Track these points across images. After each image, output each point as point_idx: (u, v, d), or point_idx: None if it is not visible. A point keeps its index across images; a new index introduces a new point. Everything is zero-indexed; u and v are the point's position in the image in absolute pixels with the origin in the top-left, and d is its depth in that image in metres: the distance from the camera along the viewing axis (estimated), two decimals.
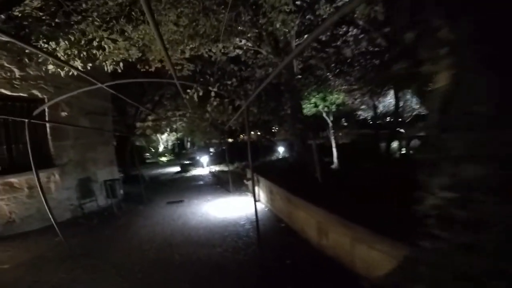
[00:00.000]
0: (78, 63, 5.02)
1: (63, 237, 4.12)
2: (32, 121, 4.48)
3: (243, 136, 25.88)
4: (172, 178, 12.33)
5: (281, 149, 18.34)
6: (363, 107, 10.02)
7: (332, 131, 8.24)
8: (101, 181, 7.25)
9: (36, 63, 5.92)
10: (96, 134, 7.65)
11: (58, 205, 5.84)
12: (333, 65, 6.92)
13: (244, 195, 7.69)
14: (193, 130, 24.93)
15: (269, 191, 6.03)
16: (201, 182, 10.14)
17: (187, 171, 14.56)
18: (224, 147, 27.41)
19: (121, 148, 13.79)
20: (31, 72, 6.01)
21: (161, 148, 25.43)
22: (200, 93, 6.76)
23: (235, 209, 6.25)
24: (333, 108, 7.85)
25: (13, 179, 5.12)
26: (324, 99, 7.77)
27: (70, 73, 5.25)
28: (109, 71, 6.15)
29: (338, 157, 8.13)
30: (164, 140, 25.43)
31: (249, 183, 6.99)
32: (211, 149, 28.07)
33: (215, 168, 14.31)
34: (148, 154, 25.92)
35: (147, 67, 6.86)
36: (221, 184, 9.57)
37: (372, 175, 6.14)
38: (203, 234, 4.77)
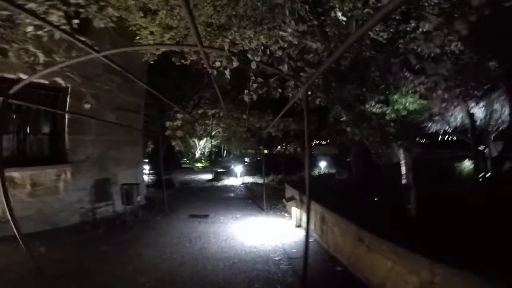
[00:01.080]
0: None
1: (49, 246, 3.18)
2: (40, 107, 3.72)
3: (282, 147, 24.54)
4: (202, 186, 11.39)
5: (322, 164, 16.51)
6: (436, 117, 7.87)
7: (399, 143, 6.37)
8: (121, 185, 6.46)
9: (65, 49, 5.40)
10: (123, 132, 6.98)
11: (65, 207, 5.09)
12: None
13: (280, 216, 6.23)
14: (229, 138, 24.44)
15: (319, 218, 4.49)
16: (232, 194, 8.94)
17: (219, 179, 13.59)
18: (259, 158, 26.36)
19: (158, 151, 13.44)
20: (57, 59, 5.50)
21: (197, 154, 25.25)
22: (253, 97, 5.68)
23: (268, 235, 4.83)
24: (404, 113, 6.04)
25: (15, 174, 4.46)
26: (389, 102, 6.06)
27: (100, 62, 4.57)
28: (144, 60, 5.50)
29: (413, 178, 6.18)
30: (202, 146, 25.25)
31: (290, 204, 5.52)
32: (246, 159, 27.20)
33: (249, 179, 13.08)
34: (185, 159, 25.99)
35: (182, 61, 6.04)
36: (253, 198, 8.23)
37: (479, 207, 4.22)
38: (221, 270, 3.44)
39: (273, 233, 4.94)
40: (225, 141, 25.99)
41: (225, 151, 31.81)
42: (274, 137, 16.16)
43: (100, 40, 5.28)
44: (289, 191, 6.26)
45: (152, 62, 5.75)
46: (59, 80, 5.52)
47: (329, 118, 10.54)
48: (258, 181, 11.87)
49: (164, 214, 6.56)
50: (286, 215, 6.24)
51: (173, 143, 25.96)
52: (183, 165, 22.71)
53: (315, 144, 25.63)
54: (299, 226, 5.32)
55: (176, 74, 10.17)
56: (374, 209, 4.30)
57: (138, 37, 5.09)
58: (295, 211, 5.26)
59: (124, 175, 6.85)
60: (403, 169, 5.30)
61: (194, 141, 24.67)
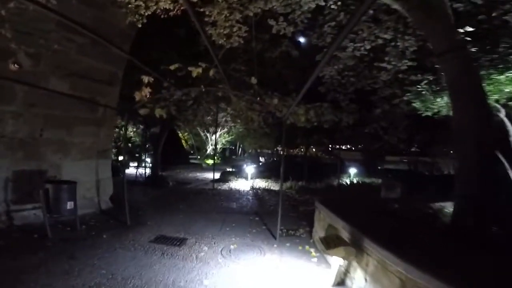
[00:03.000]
0: None
1: None
2: None
3: (303, 147, 21.75)
4: (201, 188, 9.06)
5: (352, 171, 13.68)
6: None
7: None
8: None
9: None
10: (82, 107, 4.83)
11: None
12: None
13: (301, 253, 3.71)
14: (244, 135, 22.04)
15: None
16: (234, 205, 6.49)
17: (225, 180, 11.25)
18: (275, 159, 23.67)
19: (158, 141, 11.37)
20: None
21: (209, 150, 23.13)
22: None
23: None
24: None
25: None
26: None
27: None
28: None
29: None
30: (214, 141, 23.10)
31: (336, 251, 2.80)
32: (261, 159, 24.73)
33: (261, 183, 10.60)
34: (195, 155, 24.00)
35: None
36: (262, 214, 5.75)
37: None
38: None
39: None
40: (240, 137, 23.71)
41: (239, 149, 29.54)
42: (297, 133, 13.56)
43: None
44: (324, 216, 3.73)
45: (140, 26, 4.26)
46: None
47: (375, 111, 7.81)
48: (272, 187, 9.36)
49: (119, 229, 4.30)
50: (313, 252, 3.72)
51: (182, 136, 24.14)
52: (192, 161, 20.66)
53: (338, 147, 22.47)
54: (341, 284, 2.80)
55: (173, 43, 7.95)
56: None
57: None
58: (340, 260, 2.73)
59: (74, 168, 4.68)
60: None
61: (206, 135, 22.60)
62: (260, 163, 20.82)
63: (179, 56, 7.80)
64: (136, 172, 8.73)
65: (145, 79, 3.96)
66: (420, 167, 18.08)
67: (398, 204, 4.11)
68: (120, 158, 17.38)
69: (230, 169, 15.50)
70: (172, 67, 3.99)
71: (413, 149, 16.99)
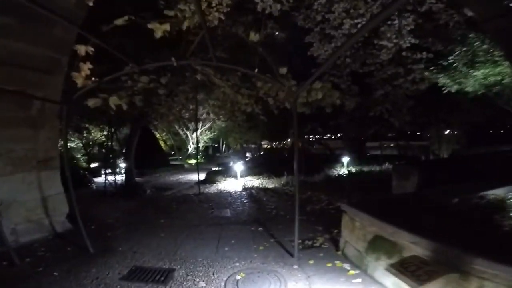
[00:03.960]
0: None
1: None
2: None
3: (285, 140, 20.90)
4: (186, 193, 7.81)
5: (345, 160, 12.99)
6: None
7: None
8: None
9: None
10: (3, 103, 3.45)
11: None
12: None
13: (337, 276, 2.69)
14: (228, 130, 20.76)
15: None
16: (228, 212, 5.31)
17: (213, 181, 10.06)
18: (261, 153, 22.62)
19: (131, 143, 9.88)
20: None
21: (190, 149, 21.64)
22: None
23: None
24: None
25: None
26: None
27: None
28: None
29: None
30: (195, 139, 21.58)
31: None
32: (248, 155, 23.61)
33: (253, 181, 9.53)
34: (176, 155, 22.37)
35: None
36: (265, 222, 4.67)
37: None
38: None
39: None
40: (223, 133, 22.41)
41: (223, 146, 28.16)
42: (286, 123, 12.55)
43: None
44: (364, 225, 2.72)
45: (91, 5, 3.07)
46: None
47: (375, 94, 6.97)
48: (267, 185, 8.32)
49: (78, 260, 3.07)
50: (350, 269, 2.73)
51: (160, 136, 22.41)
52: (173, 163, 19.13)
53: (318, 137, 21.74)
54: None
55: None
56: None
57: None
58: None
59: (4, 186, 3.32)
60: None
61: (186, 134, 21.06)
62: (247, 159, 19.75)
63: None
64: (105, 181, 7.30)
65: (81, 49, 2.66)
66: (409, 152, 17.95)
67: (443, 198, 3.22)
68: (93, 165, 15.63)
69: (216, 168, 14.28)
70: (119, 21, 2.68)
71: (404, 133, 16.67)
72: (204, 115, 10.02)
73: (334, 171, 11.82)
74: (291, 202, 5.96)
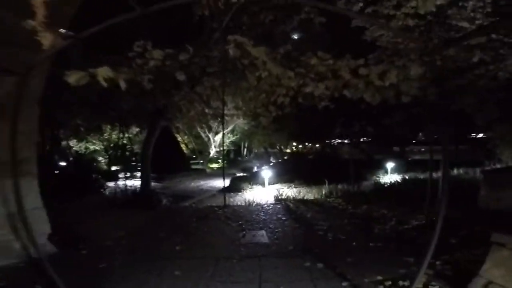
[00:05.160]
0: None
1: None
2: None
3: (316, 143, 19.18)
4: (208, 206, 6.52)
5: (389, 166, 11.23)
6: None
7: None
8: None
9: None
10: None
11: None
12: None
13: None
14: (252, 133, 19.47)
15: None
16: (265, 236, 3.90)
17: (238, 189, 8.78)
18: (285, 158, 20.84)
19: (148, 143, 8.87)
20: None
21: (212, 153, 20.63)
22: None
23: None
24: None
25: None
26: None
27: None
28: None
29: None
30: (218, 143, 20.58)
31: None
32: (272, 159, 22.13)
33: (284, 189, 8.09)
34: (196, 158, 21.45)
35: None
36: (323, 253, 3.22)
37: None
38: None
39: None
40: (246, 136, 21.22)
41: (245, 149, 26.93)
42: (316, 122, 11.01)
43: None
44: None
45: None
46: None
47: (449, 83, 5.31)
48: (305, 196, 6.85)
49: None
50: None
51: (182, 139, 21.64)
52: (194, 167, 18.19)
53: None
54: None
55: None
56: None
57: None
58: None
59: None
60: None
61: (208, 137, 20.09)
62: (271, 163, 18.35)
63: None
64: (116, 188, 6.24)
65: None
66: (454, 157, 15.57)
67: None
68: (114, 168, 15.03)
69: (241, 174, 13.04)
70: None
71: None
72: (232, 111, 8.65)
73: (378, 178, 10.16)
74: (348, 220, 4.50)
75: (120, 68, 2.82)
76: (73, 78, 2.21)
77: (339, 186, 7.23)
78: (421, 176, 9.14)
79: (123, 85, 2.47)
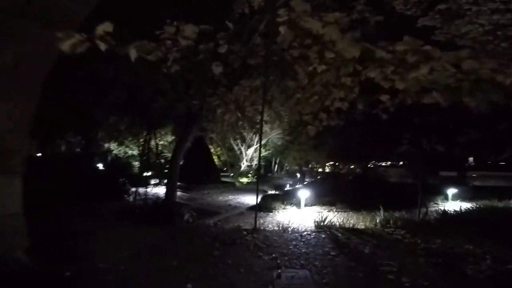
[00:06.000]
0: None
1: None
2: None
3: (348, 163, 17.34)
4: (236, 227, 5.53)
5: (450, 192, 9.46)
6: None
7: None
8: None
9: None
10: None
11: None
12: None
13: None
14: (287, 148, 18.35)
15: None
16: (310, 282, 2.82)
17: (269, 208, 7.70)
18: (319, 177, 19.15)
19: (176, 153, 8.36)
20: None
21: (243, 166, 19.85)
22: None
23: None
24: None
25: None
26: None
27: None
28: None
29: None
30: (249, 156, 19.79)
31: None
32: (306, 178, 20.59)
33: (324, 213, 6.82)
34: (226, 170, 20.78)
35: None
36: None
37: None
38: None
39: None
40: (279, 152, 20.15)
41: (275, 166, 25.68)
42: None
43: None
44: None
45: None
46: None
47: None
48: (354, 224, 5.53)
49: None
50: None
51: (214, 150, 21.28)
52: (224, 179, 17.52)
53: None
54: None
55: None
56: None
57: None
58: None
59: None
60: None
61: (240, 149, 19.44)
62: (305, 182, 16.90)
63: None
64: (135, 197, 5.61)
65: None
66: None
67: None
68: (146, 174, 14.98)
69: (272, 191, 11.93)
70: None
71: None
72: (267, 118, 7.50)
73: (437, 205, 8.58)
74: (424, 258, 3.21)
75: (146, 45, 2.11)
76: (67, 44, 1.63)
77: (396, 214, 5.81)
78: (500, 204, 7.39)
79: (133, 55, 1.85)
